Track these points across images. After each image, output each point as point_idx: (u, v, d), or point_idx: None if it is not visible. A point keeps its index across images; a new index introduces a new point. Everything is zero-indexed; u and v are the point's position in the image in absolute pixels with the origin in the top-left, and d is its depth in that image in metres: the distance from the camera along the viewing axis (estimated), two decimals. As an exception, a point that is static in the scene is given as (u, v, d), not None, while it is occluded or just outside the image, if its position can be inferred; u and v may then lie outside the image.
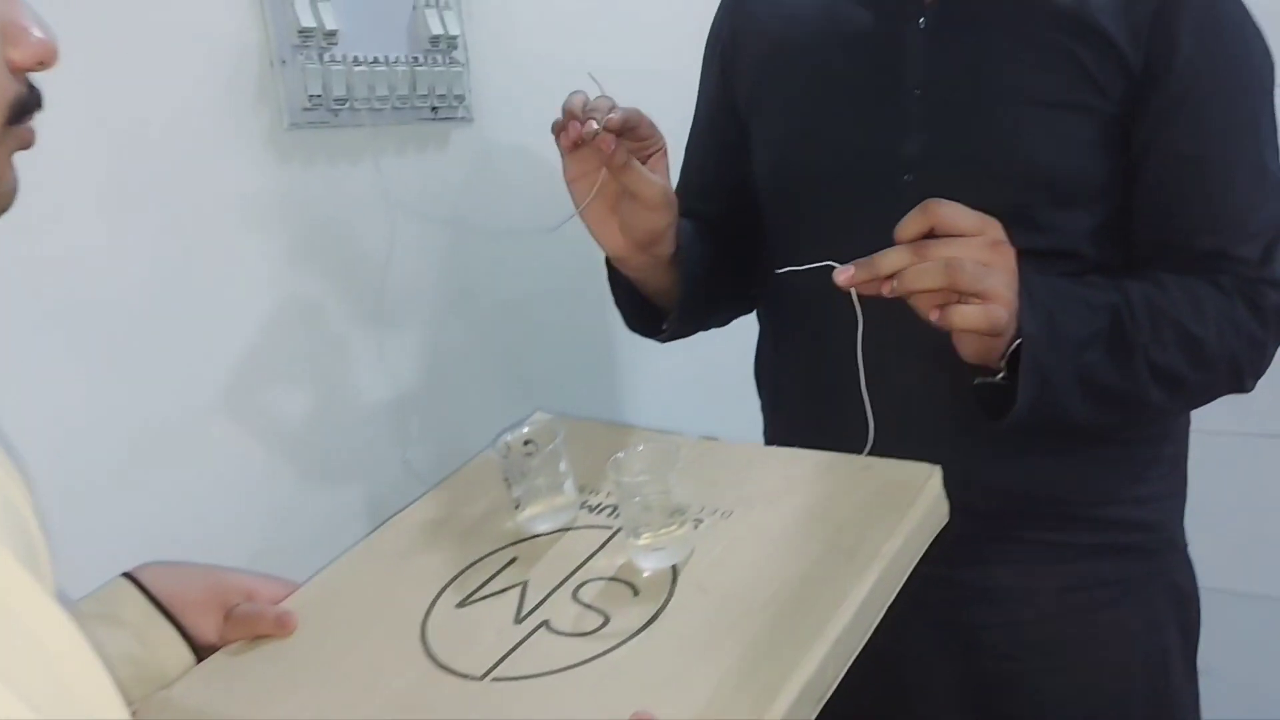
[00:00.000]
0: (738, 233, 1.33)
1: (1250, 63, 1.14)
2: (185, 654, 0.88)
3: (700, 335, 1.33)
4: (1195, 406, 1.21)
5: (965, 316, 0.94)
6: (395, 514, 1.04)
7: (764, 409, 1.40)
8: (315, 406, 1.33)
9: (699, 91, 1.40)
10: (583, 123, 1.03)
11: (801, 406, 1.31)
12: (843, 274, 0.96)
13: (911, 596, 0.85)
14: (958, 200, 1.05)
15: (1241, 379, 1.13)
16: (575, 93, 1.07)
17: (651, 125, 1.11)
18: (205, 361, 1.22)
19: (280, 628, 0.89)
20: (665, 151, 1.13)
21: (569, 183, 1.11)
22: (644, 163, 1.10)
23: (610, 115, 1.03)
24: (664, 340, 1.27)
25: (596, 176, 1.09)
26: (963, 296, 0.94)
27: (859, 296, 0.99)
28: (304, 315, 1.31)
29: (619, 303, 1.28)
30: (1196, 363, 1.08)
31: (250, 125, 1.24)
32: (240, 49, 1.22)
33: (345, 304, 1.36)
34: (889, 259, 0.95)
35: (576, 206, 1.12)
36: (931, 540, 0.89)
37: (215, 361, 1.23)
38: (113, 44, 1.12)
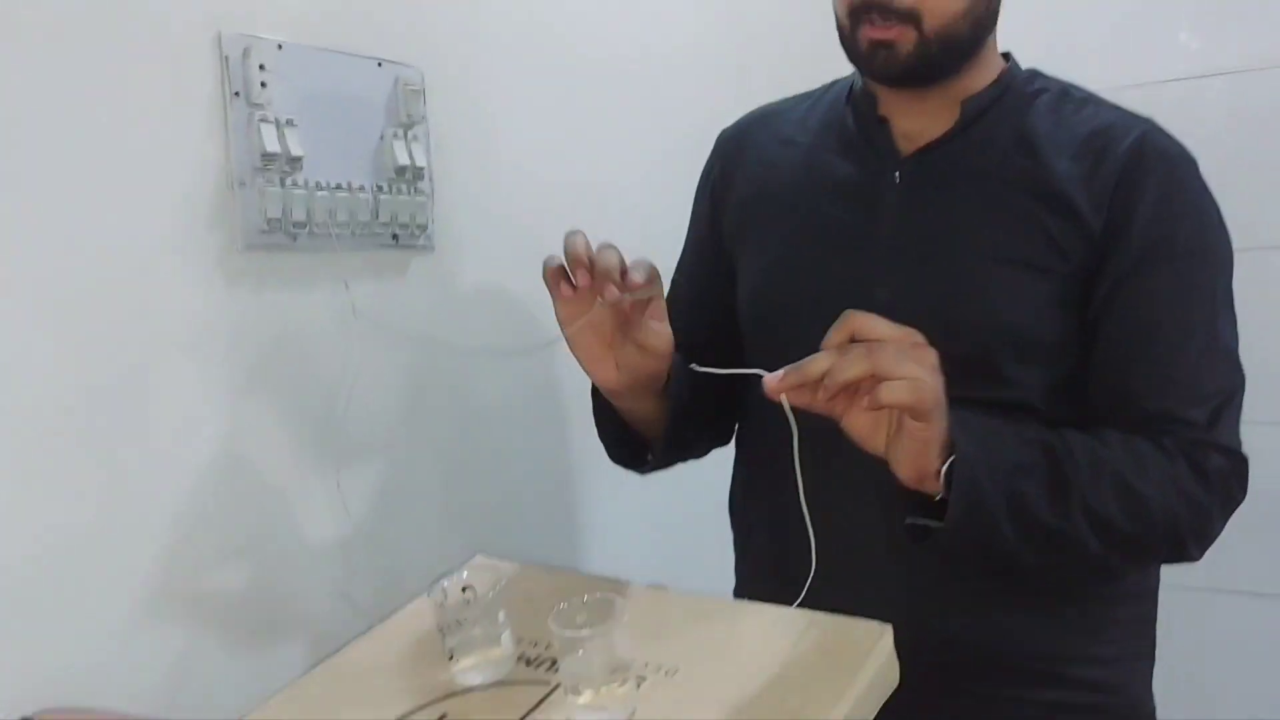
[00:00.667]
0: (721, 362, 1.33)
1: (1205, 235, 1.18)
2: None
3: (658, 474, 1.32)
4: (1137, 565, 1.22)
5: (893, 391, 0.93)
6: (326, 658, 1.00)
7: (735, 545, 1.42)
8: (257, 535, 1.29)
9: (690, 224, 1.46)
10: (589, 270, 1.04)
11: (766, 545, 1.32)
12: (772, 380, 0.96)
13: None
14: None
15: (1184, 544, 1.13)
16: (573, 233, 1.07)
17: (657, 274, 1.12)
18: (140, 483, 1.17)
19: None
20: (663, 295, 1.15)
21: (561, 323, 1.11)
22: (646, 308, 1.12)
23: (632, 276, 1.04)
24: (646, 472, 1.30)
25: (588, 316, 1.10)
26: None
27: (792, 409, 0.98)
28: (250, 440, 1.28)
29: (603, 434, 1.30)
30: (1134, 516, 1.08)
31: (204, 245, 1.22)
32: (199, 169, 1.21)
33: (292, 431, 1.33)
34: (816, 363, 0.95)
35: (563, 333, 1.12)
36: (881, 703, 0.88)
37: (150, 482, 1.19)
38: (74, 152, 1.10)
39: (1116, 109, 1.24)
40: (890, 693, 0.89)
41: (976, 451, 1.01)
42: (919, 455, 0.99)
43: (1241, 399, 1.17)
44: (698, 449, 1.41)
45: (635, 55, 1.88)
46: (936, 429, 0.98)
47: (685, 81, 1.97)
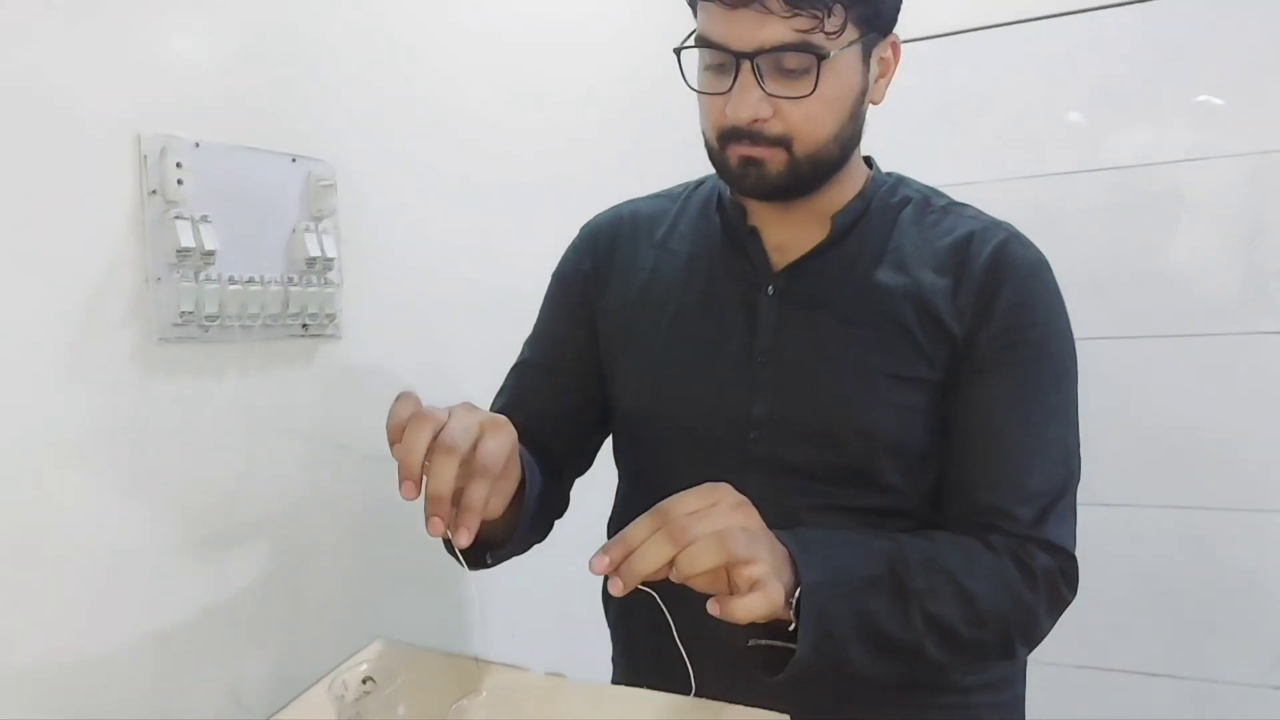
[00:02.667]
0: (558, 457, 1.33)
1: (1050, 342, 1.21)
2: None
3: (549, 555, 1.33)
4: (969, 667, 1.21)
5: (748, 609, 0.91)
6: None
7: (612, 638, 1.40)
8: (146, 624, 1.30)
9: (548, 310, 1.41)
10: (417, 484, 0.95)
11: (643, 645, 1.31)
12: (598, 563, 0.92)
13: None
14: (801, 458, 1.15)
15: (1011, 643, 1.14)
16: (403, 419, 0.97)
17: (513, 454, 1.04)
18: (39, 576, 1.19)
19: None
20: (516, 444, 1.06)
21: None
22: None
23: (473, 499, 0.96)
24: (474, 570, 1.18)
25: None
26: (734, 571, 0.92)
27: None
28: (149, 529, 1.29)
29: (450, 549, 1.19)
30: (969, 618, 1.10)
31: (118, 338, 1.24)
32: (116, 265, 1.24)
33: (192, 521, 1.34)
34: (636, 531, 0.93)
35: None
36: None
37: (49, 575, 1.20)
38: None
39: (975, 217, 1.26)
40: None
41: (822, 576, 1.00)
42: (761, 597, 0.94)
43: (1072, 499, 1.19)
44: (525, 548, 1.31)
45: (539, 147, 1.93)
46: (767, 564, 0.94)
47: (584, 175, 2.03)
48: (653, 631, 1.25)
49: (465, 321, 1.74)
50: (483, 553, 1.21)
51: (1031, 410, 1.19)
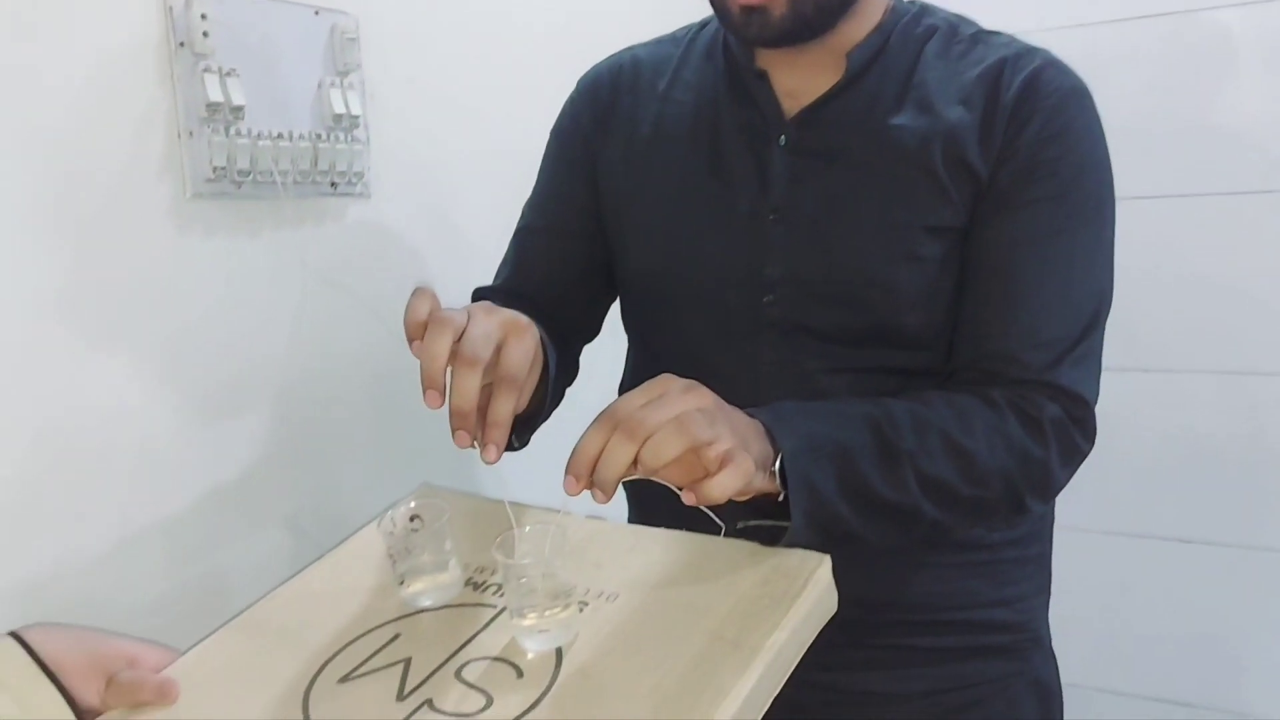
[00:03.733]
0: (566, 324, 1.29)
1: (1081, 178, 1.13)
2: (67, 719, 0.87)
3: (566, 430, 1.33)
4: (978, 524, 1.17)
5: (722, 487, 0.86)
6: (279, 585, 1.04)
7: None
8: (206, 469, 1.33)
9: (548, 167, 1.36)
10: (441, 394, 0.93)
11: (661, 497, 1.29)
12: (570, 485, 0.88)
13: (785, 700, 0.84)
14: (819, 321, 1.11)
15: (1021, 498, 1.09)
16: (420, 319, 0.94)
17: (538, 351, 1.02)
18: (90, 429, 1.21)
19: (162, 696, 0.88)
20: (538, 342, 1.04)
21: None
22: None
23: (499, 414, 0.94)
24: (513, 451, 1.18)
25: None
26: (700, 453, 0.87)
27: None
28: (197, 382, 1.31)
29: None
30: (969, 476, 1.04)
31: (153, 194, 1.25)
32: (148, 120, 1.24)
33: (240, 373, 1.36)
34: (592, 440, 0.88)
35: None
36: (818, 630, 0.89)
37: (103, 419, 1.22)
38: (23, 102, 1.13)
39: (1007, 43, 1.17)
40: (827, 620, 0.90)
41: (800, 443, 0.96)
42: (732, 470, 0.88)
43: (1093, 344, 1.12)
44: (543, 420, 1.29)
45: (568, 11, 1.90)
46: (731, 439, 0.88)
47: (616, 31, 2.00)
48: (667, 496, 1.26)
49: (489, 181, 1.73)
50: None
51: (1056, 249, 1.11)
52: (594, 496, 0.88)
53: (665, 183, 1.23)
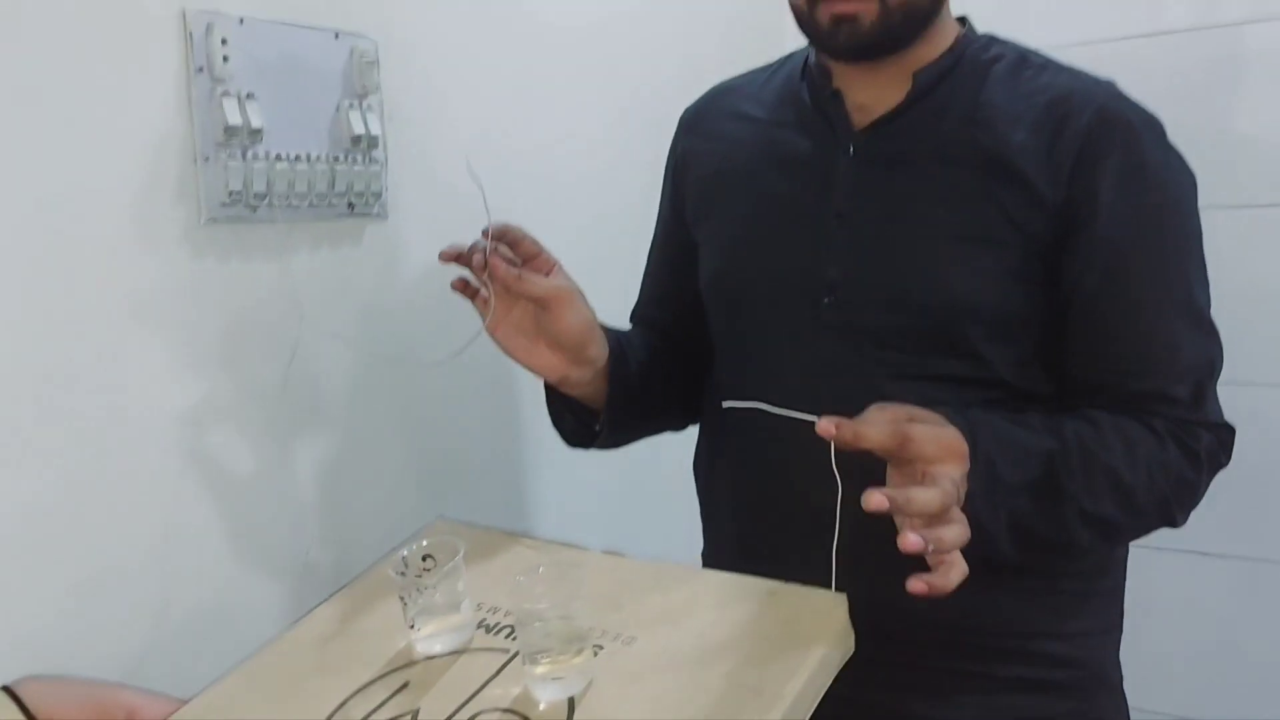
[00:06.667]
0: (688, 341, 1.38)
1: (1175, 207, 1.17)
2: None
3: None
4: (1129, 542, 1.24)
5: (955, 539, 0.93)
6: (286, 628, 1.03)
7: (701, 511, 1.42)
8: (217, 501, 1.31)
9: (660, 203, 1.48)
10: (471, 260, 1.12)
11: (728, 517, 1.33)
12: (827, 427, 0.93)
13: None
14: (877, 323, 1.15)
15: (1173, 518, 1.16)
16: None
17: (535, 242, 1.17)
18: (108, 457, 1.19)
19: None
20: (559, 265, 1.18)
21: (490, 332, 1.16)
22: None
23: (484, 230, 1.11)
24: (599, 448, 1.32)
25: (511, 316, 1.15)
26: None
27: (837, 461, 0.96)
28: (212, 412, 1.30)
29: (558, 424, 1.32)
30: (1128, 509, 1.11)
31: (168, 219, 1.23)
32: (164, 145, 1.22)
33: (253, 400, 1.35)
34: (870, 430, 0.94)
35: (489, 333, 1.17)
36: (838, 672, 0.89)
37: (118, 457, 1.20)
38: (41, 126, 1.12)
39: (1076, 74, 1.21)
40: (845, 661, 0.90)
41: (979, 485, 1.00)
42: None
43: (1221, 365, 1.18)
44: (658, 423, 1.42)
45: (587, 27, 1.89)
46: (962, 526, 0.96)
47: (638, 53, 1.99)
48: (734, 516, 1.32)
49: (512, 204, 1.72)
50: (589, 425, 1.29)
51: (1173, 282, 1.16)
52: (841, 429, 0.93)
53: (737, 190, 1.31)
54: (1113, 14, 2.28)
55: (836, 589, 0.95)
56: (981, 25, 1.31)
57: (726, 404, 1.10)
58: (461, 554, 0.96)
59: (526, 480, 1.80)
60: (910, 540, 0.89)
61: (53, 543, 1.15)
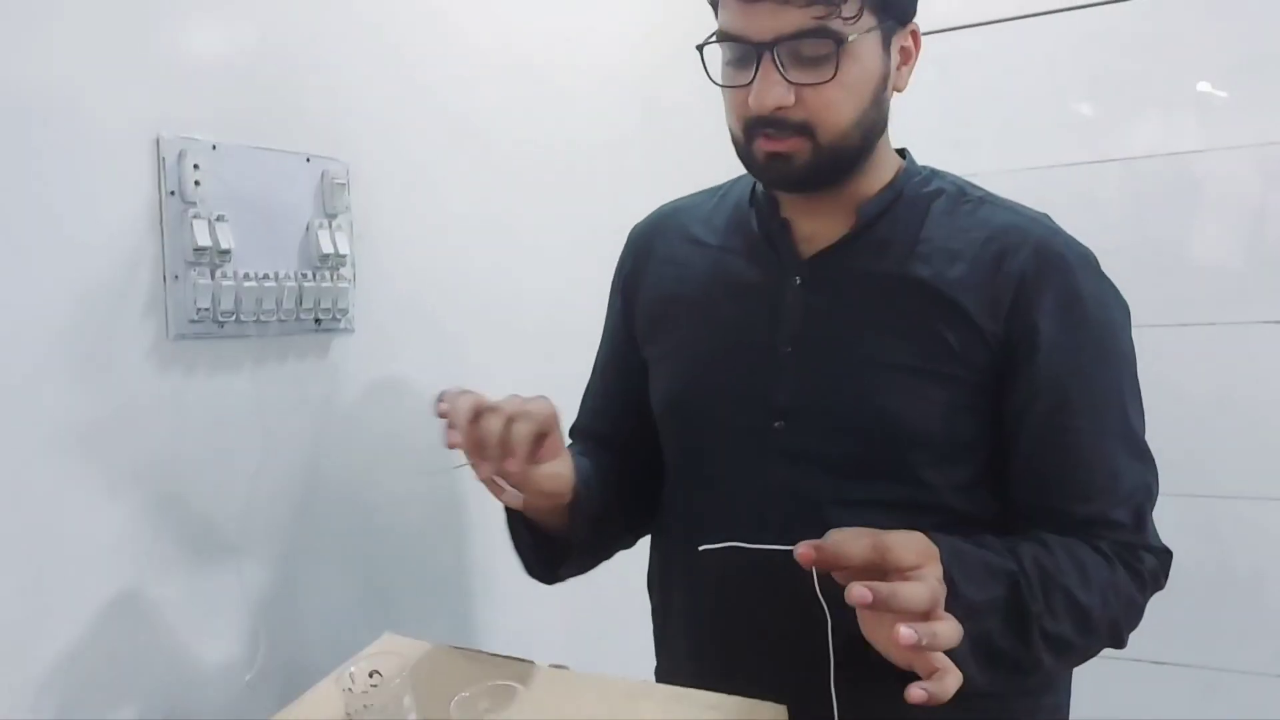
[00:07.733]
0: (636, 455, 1.39)
1: (1113, 338, 1.22)
2: None
3: None
4: (1078, 665, 1.23)
5: (949, 635, 0.94)
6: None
7: (654, 625, 1.43)
8: (163, 622, 1.32)
9: (605, 318, 1.50)
10: (468, 443, 1.08)
11: (681, 633, 1.34)
12: (806, 552, 0.94)
13: None
14: (825, 449, 1.17)
15: (1121, 638, 1.18)
16: (458, 395, 1.11)
17: (551, 416, 1.14)
18: (58, 566, 1.21)
19: None
20: (557, 419, 1.16)
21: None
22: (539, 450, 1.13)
23: (513, 443, 1.07)
24: (561, 580, 1.32)
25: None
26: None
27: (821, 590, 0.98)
28: (164, 526, 1.31)
29: (520, 550, 1.31)
30: (1083, 630, 1.12)
31: (136, 335, 1.27)
32: (134, 263, 1.26)
33: (206, 516, 1.37)
34: (849, 546, 0.95)
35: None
36: None
37: (67, 566, 1.22)
38: (16, 240, 1.15)
39: (1012, 209, 1.25)
40: None
41: (952, 608, 0.99)
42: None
43: (1157, 490, 1.21)
44: (612, 551, 1.42)
45: (549, 148, 1.95)
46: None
47: (595, 176, 2.06)
48: (687, 633, 1.33)
49: (474, 318, 1.77)
50: (553, 562, 1.30)
51: (1111, 411, 1.20)
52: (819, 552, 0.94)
53: (687, 314, 1.33)
54: (1058, 142, 2.39)
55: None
56: (935, 151, 1.36)
57: (702, 548, 1.15)
58: (408, 669, 0.98)
59: (475, 594, 1.81)
60: (904, 634, 0.89)
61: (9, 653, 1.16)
